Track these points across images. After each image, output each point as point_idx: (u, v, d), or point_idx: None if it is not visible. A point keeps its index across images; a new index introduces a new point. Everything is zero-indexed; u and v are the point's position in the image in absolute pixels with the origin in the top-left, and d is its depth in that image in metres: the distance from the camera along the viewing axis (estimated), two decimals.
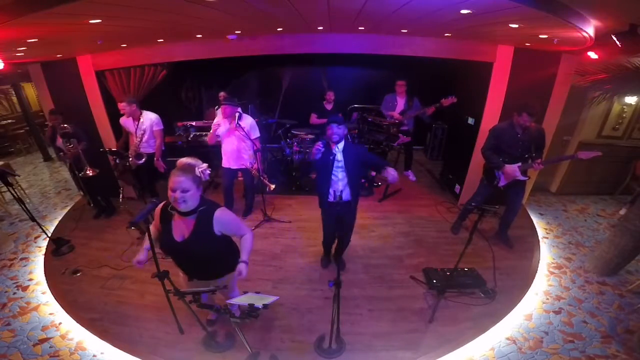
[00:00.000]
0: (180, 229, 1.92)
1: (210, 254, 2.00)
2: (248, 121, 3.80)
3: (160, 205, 1.97)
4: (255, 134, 3.86)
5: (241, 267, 1.97)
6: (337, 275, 2.21)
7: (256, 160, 3.86)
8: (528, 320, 2.84)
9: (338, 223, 2.90)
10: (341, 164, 2.70)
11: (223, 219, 1.93)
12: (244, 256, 2.01)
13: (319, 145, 2.67)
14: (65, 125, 3.84)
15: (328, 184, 2.76)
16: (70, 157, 3.97)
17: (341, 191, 2.63)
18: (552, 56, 3.72)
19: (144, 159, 4.02)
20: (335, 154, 2.68)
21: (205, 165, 1.84)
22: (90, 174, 3.98)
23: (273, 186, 3.92)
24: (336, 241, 3.26)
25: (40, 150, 7.34)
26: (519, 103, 3.21)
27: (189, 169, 1.79)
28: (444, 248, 3.77)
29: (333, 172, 2.72)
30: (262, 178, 3.91)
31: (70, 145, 3.89)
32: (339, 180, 2.76)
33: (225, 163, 4.00)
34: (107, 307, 2.94)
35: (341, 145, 2.71)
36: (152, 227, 2.06)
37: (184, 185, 1.75)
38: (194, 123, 5.17)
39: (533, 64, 3.77)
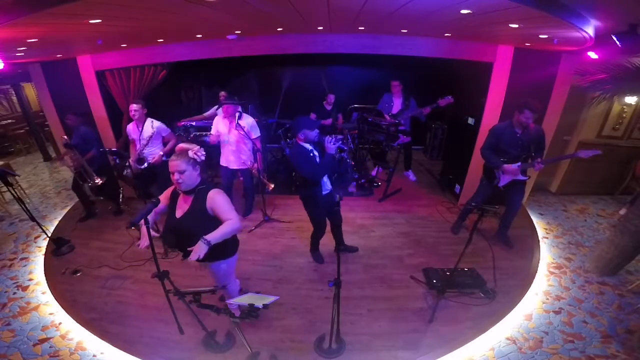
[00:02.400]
0: (181, 206, 2.09)
1: (202, 232, 1.95)
2: (248, 121, 3.80)
3: (172, 187, 2.16)
4: (256, 133, 3.86)
5: (198, 244, 1.83)
6: (337, 275, 2.21)
7: (256, 160, 3.85)
8: (528, 320, 2.84)
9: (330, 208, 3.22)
10: (317, 158, 2.98)
11: (215, 197, 2.04)
12: (210, 235, 1.88)
13: (332, 139, 2.81)
14: (65, 137, 3.89)
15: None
16: (77, 167, 3.99)
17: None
18: (552, 56, 3.72)
19: (145, 164, 3.88)
20: (312, 150, 2.95)
21: (197, 147, 2.01)
22: (99, 183, 3.98)
23: (272, 185, 3.92)
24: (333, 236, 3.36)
25: (40, 150, 7.34)
26: (519, 103, 3.21)
27: (183, 152, 1.99)
28: (444, 248, 3.77)
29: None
30: (261, 178, 3.91)
31: (73, 154, 3.90)
32: None
33: (224, 162, 4.00)
34: (107, 307, 2.94)
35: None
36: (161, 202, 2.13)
37: (180, 167, 1.94)
38: (194, 123, 5.17)
39: (533, 64, 3.76)
